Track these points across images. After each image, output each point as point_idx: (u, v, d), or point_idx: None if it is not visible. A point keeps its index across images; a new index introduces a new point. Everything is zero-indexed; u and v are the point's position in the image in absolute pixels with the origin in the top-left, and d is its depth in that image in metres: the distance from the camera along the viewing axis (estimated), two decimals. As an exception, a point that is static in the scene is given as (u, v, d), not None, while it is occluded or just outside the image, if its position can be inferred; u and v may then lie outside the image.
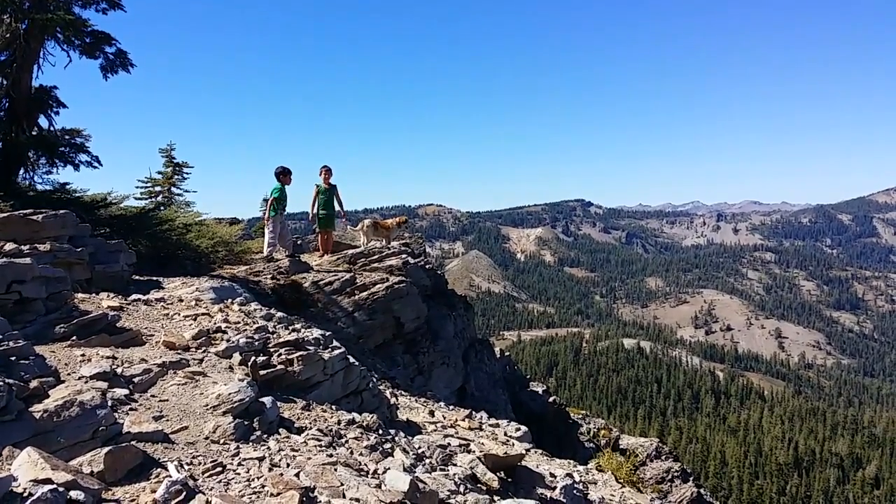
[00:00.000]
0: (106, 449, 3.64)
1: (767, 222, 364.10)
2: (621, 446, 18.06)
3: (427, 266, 20.18)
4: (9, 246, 6.93)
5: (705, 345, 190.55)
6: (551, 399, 22.42)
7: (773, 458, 79.62)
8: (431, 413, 9.67)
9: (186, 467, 3.98)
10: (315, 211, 16.15)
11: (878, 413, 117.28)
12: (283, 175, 14.87)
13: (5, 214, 8.06)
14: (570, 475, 7.51)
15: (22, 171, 13.10)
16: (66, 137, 13.35)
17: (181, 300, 8.93)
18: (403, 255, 17.43)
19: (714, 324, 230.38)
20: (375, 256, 16.89)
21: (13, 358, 4.39)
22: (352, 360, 7.73)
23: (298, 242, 19.28)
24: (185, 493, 3.38)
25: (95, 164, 13.65)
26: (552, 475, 7.20)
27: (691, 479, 17.28)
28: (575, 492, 6.69)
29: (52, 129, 13.34)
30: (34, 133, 12.95)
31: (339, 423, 5.91)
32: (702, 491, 17.23)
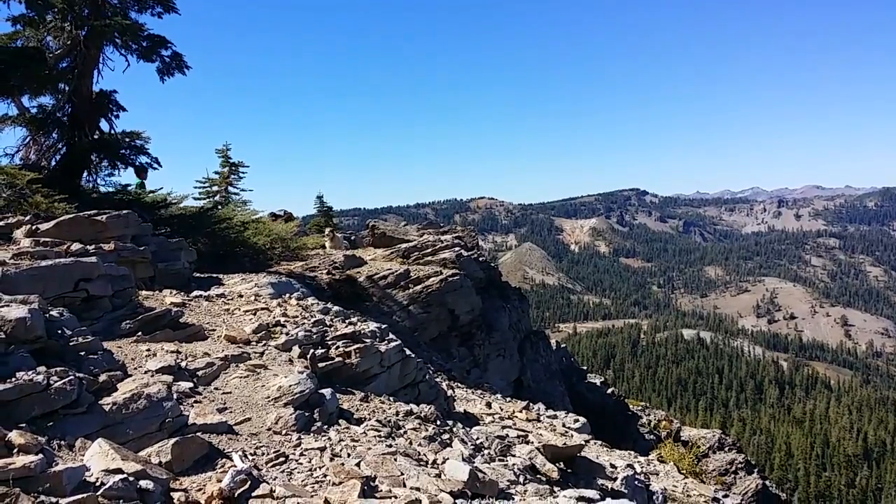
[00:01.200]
0: (173, 440, 3.74)
1: (831, 207, 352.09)
2: (682, 438, 17.80)
3: (480, 259, 20.16)
4: (75, 246, 7.15)
5: (768, 334, 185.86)
6: (609, 391, 22.21)
7: (841, 450, 77.23)
8: (488, 404, 9.67)
9: (250, 457, 4.05)
10: None
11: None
12: None
13: (71, 216, 8.32)
14: (630, 466, 7.41)
15: (85, 174, 13.50)
16: (127, 140, 13.69)
17: (241, 296, 9.10)
18: (456, 248, 17.45)
19: (777, 312, 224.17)
20: (429, 250, 16.95)
21: (83, 353, 4.53)
22: (408, 352, 7.77)
23: (353, 238, 19.49)
24: (249, 482, 3.45)
25: (155, 166, 13.98)
26: (612, 466, 7.11)
27: (756, 470, 16.93)
28: (636, 482, 6.60)
29: (112, 132, 13.70)
30: (96, 137, 13.31)
31: (397, 414, 5.94)
32: (767, 483, 16.87)
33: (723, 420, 79.31)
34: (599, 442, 9.63)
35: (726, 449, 17.19)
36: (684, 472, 9.96)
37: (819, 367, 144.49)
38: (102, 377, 4.25)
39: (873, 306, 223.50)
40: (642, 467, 8.55)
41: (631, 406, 21.01)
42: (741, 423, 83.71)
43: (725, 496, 8.87)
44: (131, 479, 3.04)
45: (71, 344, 4.52)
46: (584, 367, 26.72)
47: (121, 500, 2.91)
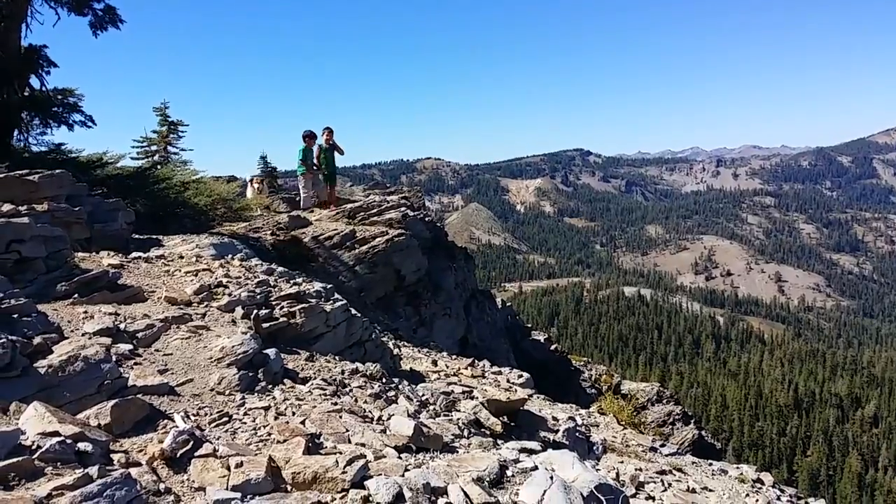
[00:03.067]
0: (112, 402, 3.68)
1: (767, 166, 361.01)
2: (623, 391, 18.30)
3: (427, 219, 20.14)
4: (6, 207, 6.89)
5: (705, 290, 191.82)
6: (553, 347, 22.62)
7: (774, 401, 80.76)
8: (434, 363, 9.76)
9: (193, 418, 4.03)
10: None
11: (877, 353, 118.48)
12: (308, 138, 16.66)
13: (1, 175, 8.01)
14: (572, 418, 7.62)
15: (16, 133, 12.98)
16: (59, 97, 13.19)
17: (181, 257, 8.92)
18: (402, 209, 17.38)
19: (714, 269, 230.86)
20: (374, 210, 16.84)
21: (15, 316, 4.40)
22: (354, 311, 7.76)
23: (297, 199, 19.20)
24: (192, 442, 3.42)
25: (89, 124, 13.53)
26: (555, 419, 7.30)
27: (692, 421, 17.56)
28: (577, 434, 6.79)
29: (44, 89, 13.17)
30: (26, 94, 12.80)
31: (342, 372, 5.96)
32: (703, 433, 17.52)
33: (661, 374, 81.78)
34: (542, 396, 9.85)
35: (664, 401, 17.76)
36: (623, 423, 10.28)
37: (753, 321, 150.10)
38: (37, 340, 4.14)
39: (805, 262, 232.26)
40: (583, 419, 8.80)
41: (573, 362, 21.45)
42: (679, 377, 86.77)
43: (662, 445, 9.19)
44: (69, 441, 2.99)
45: (3, 307, 4.38)
46: (529, 325, 27.10)
47: (58, 463, 2.86)
